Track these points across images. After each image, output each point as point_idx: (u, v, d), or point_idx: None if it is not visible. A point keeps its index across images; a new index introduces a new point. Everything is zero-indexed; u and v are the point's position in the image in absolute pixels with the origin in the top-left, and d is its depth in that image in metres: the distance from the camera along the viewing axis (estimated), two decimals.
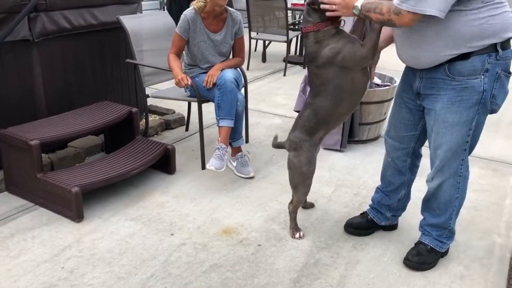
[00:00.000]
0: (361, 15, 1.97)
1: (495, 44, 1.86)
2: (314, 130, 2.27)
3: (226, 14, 3.12)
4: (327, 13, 2.05)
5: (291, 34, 5.83)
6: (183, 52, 3.21)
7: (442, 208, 2.15)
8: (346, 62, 2.09)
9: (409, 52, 2.00)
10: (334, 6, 2.01)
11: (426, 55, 1.94)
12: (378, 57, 2.26)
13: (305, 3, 2.18)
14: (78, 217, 2.54)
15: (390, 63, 2.18)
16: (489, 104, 1.95)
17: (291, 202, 2.47)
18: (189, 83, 2.96)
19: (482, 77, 1.89)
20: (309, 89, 2.29)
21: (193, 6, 3.04)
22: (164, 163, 3.08)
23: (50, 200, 2.61)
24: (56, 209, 2.60)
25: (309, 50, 2.16)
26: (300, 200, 2.44)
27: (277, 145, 2.62)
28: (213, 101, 3.01)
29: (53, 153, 3.09)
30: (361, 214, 2.54)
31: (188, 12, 3.04)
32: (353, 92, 2.18)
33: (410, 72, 2.13)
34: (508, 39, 1.89)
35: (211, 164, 2.87)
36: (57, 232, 2.45)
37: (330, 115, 2.22)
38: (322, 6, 2.05)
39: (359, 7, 1.94)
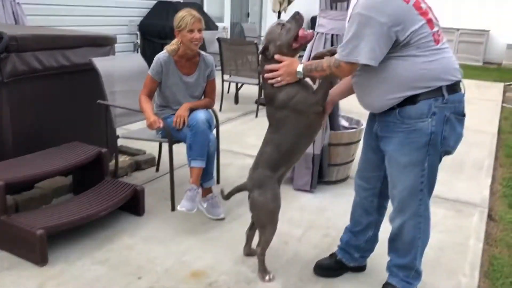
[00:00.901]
0: (306, 77, 2.17)
1: (441, 88, 1.96)
2: (277, 166, 2.33)
3: (199, 58, 3.19)
4: (275, 85, 2.22)
5: None
6: (155, 93, 3.24)
7: (406, 248, 2.19)
8: (298, 106, 2.23)
9: (362, 98, 2.15)
10: (278, 78, 2.20)
11: (374, 99, 2.07)
12: (333, 105, 2.37)
13: (258, 53, 2.34)
14: (42, 261, 2.46)
15: (357, 107, 2.28)
16: (439, 146, 2.03)
17: (258, 245, 2.45)
18: (161, 125, 2.98)
19: (430, 120, 1.98)
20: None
21: (166, 49, 3.11)
22: (133, 205, 3.04)
23: (13, 243, 2.53)
24: (19, 252, 2.52)
25: (267, 92, 2.31)
26: (268, 241, 2.40)
27: (236, 190, 2.55)
28: (184, 142, 3.03)
29: (18, 194, 3.02)
30: (330, 255, 2.55)
31: (161, 55, 3.10)
32: (309, 129, 2.30)
33: (371, 116, 2.24)
34: (456, 83, 2.00)
35: (182, 205, 2.85)
36: (19, 278, 2.36)
37: (291, 150, 2.31)
38: (269, 81, 2.23)
39: (301, 71, 2.15)
